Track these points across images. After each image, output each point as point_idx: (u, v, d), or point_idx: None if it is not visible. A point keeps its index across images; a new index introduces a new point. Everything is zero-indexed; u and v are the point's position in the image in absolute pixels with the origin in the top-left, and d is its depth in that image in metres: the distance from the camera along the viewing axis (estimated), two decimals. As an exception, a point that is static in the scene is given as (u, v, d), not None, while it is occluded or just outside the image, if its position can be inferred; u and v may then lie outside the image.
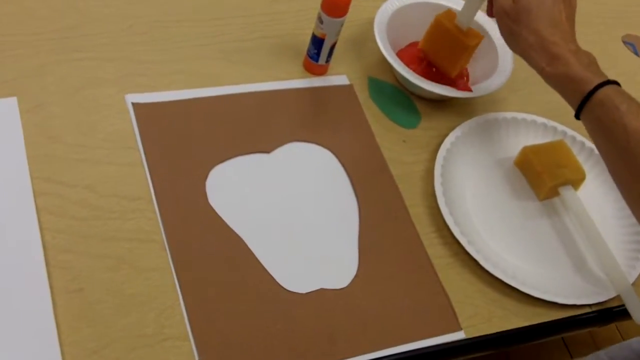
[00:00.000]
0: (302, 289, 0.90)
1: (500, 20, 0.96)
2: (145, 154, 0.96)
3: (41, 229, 0.86)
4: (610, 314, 0.99)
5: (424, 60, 1.14)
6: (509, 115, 1.13)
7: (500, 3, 0.95)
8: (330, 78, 1.12)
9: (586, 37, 1.35)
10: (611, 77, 1.09)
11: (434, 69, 1.13)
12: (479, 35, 1.08)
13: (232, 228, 0.92)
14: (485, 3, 1.02)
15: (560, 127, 1.14)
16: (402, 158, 1.06)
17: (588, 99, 0.88)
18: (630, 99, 0.87)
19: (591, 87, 0.88)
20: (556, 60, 0.91)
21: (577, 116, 0.91)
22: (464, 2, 1.04)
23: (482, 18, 1.16)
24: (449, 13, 1.08)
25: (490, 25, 1.18)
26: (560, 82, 0.92)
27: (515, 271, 0.97)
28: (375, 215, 0.99)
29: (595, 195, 1.10)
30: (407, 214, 1.00)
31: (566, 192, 1.05)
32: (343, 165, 1.03)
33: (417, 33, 1.18)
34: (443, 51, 1.09)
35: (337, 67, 1.13)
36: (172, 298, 0.86)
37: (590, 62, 0.92)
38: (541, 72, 0.93)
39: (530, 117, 1.14)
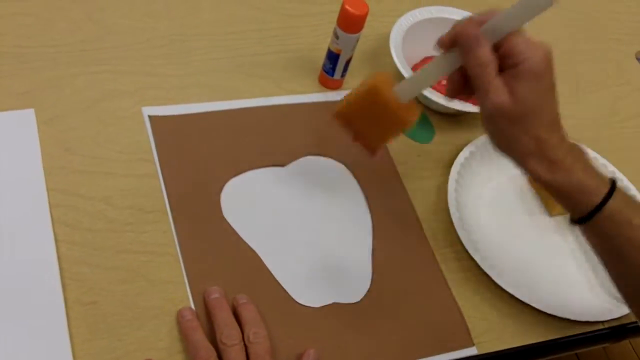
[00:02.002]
0: (316, 303, 0.90)
1: (492, 119, 0.78)
2: (160, 166, 0.96)
3: (56, 241, 0.86)
4: (623, 331, 0.99)
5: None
6: (523, 131, 1.13)
7: (494, 101, 0.75)
8: (346, 92, 1.11)
9: (601, 54, 1.36)
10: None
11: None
12: (417, 109, 0.86)
13: (246, 241, 0.93)
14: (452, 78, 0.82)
15: (574, 143, 1.13)
16: (416, 173, 1.06)
17: (597, 211, 0.77)
18: (637, 206, 0.78)
19: (599, 199, 0.76)
20: (555, 166, 0.77)
21: (580, 223, 0.80)
22: (409, 75, 0.85)
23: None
24: (387, 77, 0.84)
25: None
26: (561, 191, 0.79)
27: (528, 287, 0.97)
28: (389, 229, 0.99)
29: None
30: (421, 229, 1.00)
31: (579, 208, 1.05)
32: (357, 179, 1.03)
33: (432, 48, 1.18)
34: (372, 121, 0.87)
35: (353, 81, 1.14)
36: (186, 311, 0.86)
37: (587, 159, 0.79)
38: (538, 179, 0.79)
39: (544, 133, 1.13)
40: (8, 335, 0.79)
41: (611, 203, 0.76)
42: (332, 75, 1.09)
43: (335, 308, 0.91)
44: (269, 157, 1.01)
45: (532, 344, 0.94)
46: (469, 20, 0.77)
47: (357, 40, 1.05)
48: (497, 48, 0.75)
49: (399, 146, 1.08)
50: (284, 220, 0.96)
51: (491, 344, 0.93)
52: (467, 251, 0.97)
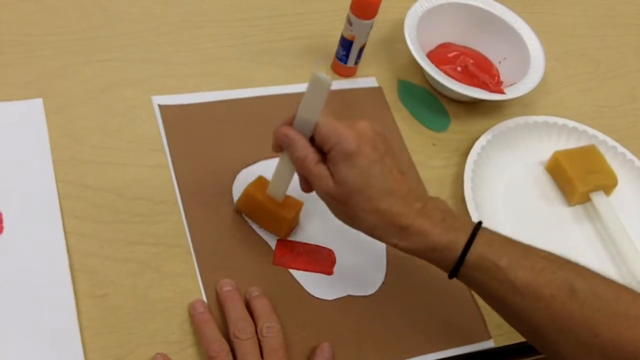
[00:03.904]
0: (329, 296, 0.89)
1: (329, 205, 0.81)
2: (171, 156, 0.95)
3: (66, 232, 0.85)
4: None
5: (455, 61, 1.13)
6: (540, 119, 1.11)
7: (322, 189, 0.79)
8: (359, 80, 1.11)
9: (619, 39, 1.34)
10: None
11: (467, 68, 1.12)
12: (297, 203, 0.91)
13: (258, 233, 0.92)
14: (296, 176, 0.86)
15: (592, 131, 1.12)
16: (432, 162, 1.04)
17: (460, 265, 0.76)
18: (503, 244, 0.77)
19: (459, 251, 0.75)
20: (407, 233, 0.76)
21: (451, 278, 0.79)
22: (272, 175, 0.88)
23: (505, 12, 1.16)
24: (261, 181, 0.91)
25: (520, 24, 1.16)
26: (421, 254, 0.78)
27: (546, 279, 0.95)
28: (404, 220, 0.97)
29: (628, 201, 1.08)
30: (436, 219, 0.98)
31: (597, 197, 1.04)
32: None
33: (447, 34, 1.17)
34: (263, 219, 0.92)
35: (366, 69, 1.12)
36: (197, 304, 0.85)
37: (443, 213, 0.78)
38: (396, 247, 0.79)
39: (561, 120, 1.11)
40: (18, 329, 0.78)
41: (472, 252, 0.75)
42: (346, 63, 1.08)
43: (349, 301, 0.89)
44: (281, 147, 0.99)
45: (550, 337, 0.92)
46: (283, 122, 0.82)
47: (371, 27, 1.03)
48: (313, 140, 0.80)
49: (413, 135, 1.06)
50: (297, 212, 0.95)
51: (508, 336, 0.91)
52: (483, 242, 0.95)
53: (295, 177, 0.85)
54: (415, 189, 0.80)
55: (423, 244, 0.77)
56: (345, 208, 0.79)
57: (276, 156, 0.97)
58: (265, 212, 0.90)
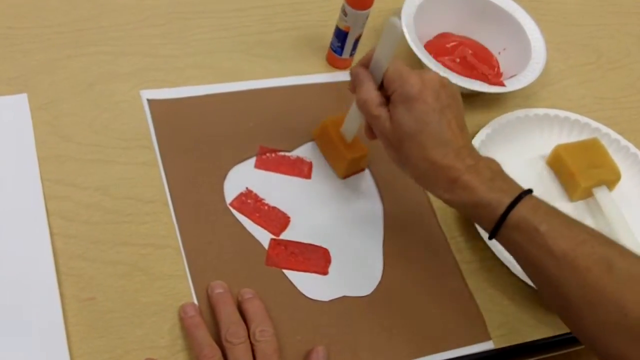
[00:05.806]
0: (324, 297, 0.87)
1: (385, 148, 0.84)
2: (160, 153, 0.93)
3: (52, 234, 0.83)
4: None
5: (454, 52, 1.10)
6: (541, 111, 1.09)
7: (379, 128, 0.83)
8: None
9: (622, 29, 1.31)
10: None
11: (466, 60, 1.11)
12: (362, 149, 0.96)
13: (251, 232, 0.89)
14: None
15: (595, 124, 1.09)
16: (429, 156, 1.02)
17: (501, 224, 0.76)
18: (548, 212, 0.77)
19: (501, 210, 0.76)
20: (454, 186, 0.78)
21: (491, 238, 0.79)
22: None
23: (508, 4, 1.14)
24: (338, 120, 0.95)
25: (520, 14, 1.14)
26: (465, 209, 0.80)
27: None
28: (401, 217, 0.96)
29: (631, 196, 1.06)
30: (434, 217, 0.97)
31: (600, 193, 1.02)
32: (367, 165, 0.99)
33: (445, 24, 1.15)
34: (329, 152, 0.98)
35: (363, 61, 1.10)
36: (188, 307, 0.83)
37: (493, 173, 0.79)
38: (441, 198, 0.81)
39: (563, 113, 1.09)
40: (1, 334, 0.76)
41: (514, 213, 0.76)
42: (341, 55, 1.06)
43: (345, 302, 0.87)
44: (274, 142, 0.98)
45: (552, 337, 0.91)
46: (360, 61, 0.86)
47: (367, 17, 1.01)
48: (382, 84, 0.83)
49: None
50: (291, 209, 0.93)
51: (508, 337, 0.90)
52: (482, 240, 0.94)
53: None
54: (471, 147, 0.81)
55: (468, 199, 0.78)
56: (397, 151, 0.82)
57: (268, 151, 0.96)
58: (332, 148, 0.96)
